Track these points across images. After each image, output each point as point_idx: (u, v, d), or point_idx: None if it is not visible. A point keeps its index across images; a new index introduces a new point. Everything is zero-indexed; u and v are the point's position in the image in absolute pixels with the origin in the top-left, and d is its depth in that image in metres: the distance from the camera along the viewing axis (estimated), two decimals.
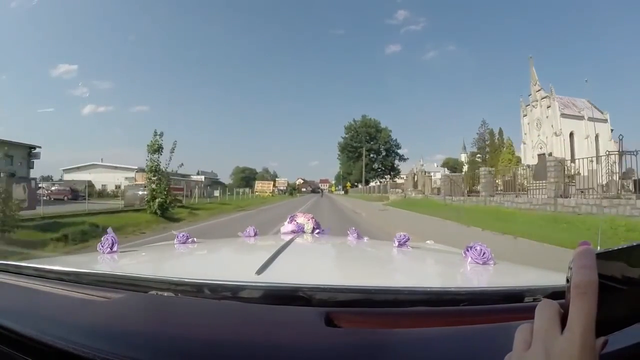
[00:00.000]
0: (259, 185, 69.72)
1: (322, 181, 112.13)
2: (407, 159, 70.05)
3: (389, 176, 65.84)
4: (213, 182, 68.38)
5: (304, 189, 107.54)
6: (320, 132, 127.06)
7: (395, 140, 69.58)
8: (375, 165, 67.82)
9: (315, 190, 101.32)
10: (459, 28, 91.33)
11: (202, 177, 59.11)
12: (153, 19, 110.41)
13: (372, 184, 60.70)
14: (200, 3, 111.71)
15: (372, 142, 66.64)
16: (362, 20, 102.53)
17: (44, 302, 0.68)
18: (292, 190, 73.48)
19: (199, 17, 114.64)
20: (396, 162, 69.19)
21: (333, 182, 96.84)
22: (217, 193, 36.08)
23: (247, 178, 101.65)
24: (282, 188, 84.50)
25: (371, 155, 66.39)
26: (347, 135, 69.39)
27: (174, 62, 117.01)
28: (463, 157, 64.37)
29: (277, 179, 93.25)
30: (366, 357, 0.50)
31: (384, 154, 68.49)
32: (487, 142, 52.84)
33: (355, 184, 70.42)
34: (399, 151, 70.27)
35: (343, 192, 73.80)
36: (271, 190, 66.18)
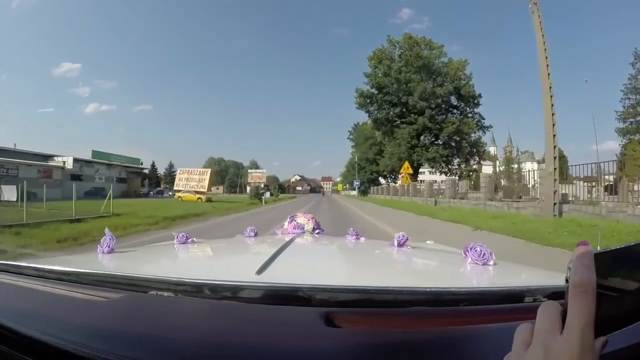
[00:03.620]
0: (182, 175, 33.03)
1: (324, 179, 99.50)
2: (491, 127, 33.48)
3: (458, 160, 31.94)
4: (138, 173, 43.46)
5: (299, 188, 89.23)
6: (322, 133, 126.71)
7: (472, 85, 31.11)
8: (430, 138, 31.37)
9: (315, 189, 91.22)
10: (462, 27, 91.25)
11: (67, 160, 31.95)
12: (155, 20, 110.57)
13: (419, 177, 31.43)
14: (202, 3, 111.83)
15: (428, 82, 30.34)
16: (366, 19, 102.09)
17: (44, 302, 0.68)
18: (262, 192, 31.52)
19: (202, 17, 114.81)
20: (473, 133, 31.57)
21: (338, 179, 75.95)
22: (35, 196, 13.02)
23: (222, 172, 76.74)
24: (258, 184, 44.24)
25: (429, 113, 29.68)
26: (374, 72, 31.76)
27: (176, 62, 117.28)
28: (492, 150, 51.63)
29: (251, 172, 57.06)
30: (366, 357, 0.50)
31: (453, 113, 31.52)
32: None
33: (386, 176, 37.60)
34: (478, 110, 31.91)
35: (357, 192, 45.95)
36: (205, 189, 30.94)
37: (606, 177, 10.00)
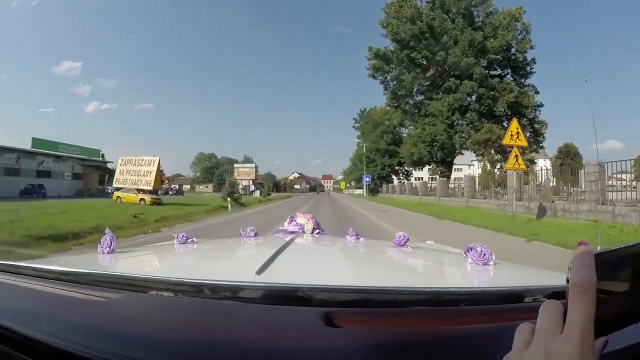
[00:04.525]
0: (124, 167, 21.19)
1: (324, 177, 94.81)
2: (542, 105, 22.91)
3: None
4: (98, 167, 34.69)
5: (297, 186, 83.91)
6: (322, 132, 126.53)
7: (530, 41, 21.31)
8: (481, 110, 21.10)
9: (314, 188, 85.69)
10: None
11: None
12: (154, 18, 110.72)
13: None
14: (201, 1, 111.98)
15: (478, 32, 20.08)
16: (366, 16, 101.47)
17: (43, 302, 0.68)
18: (238, 193, 23.07)
19: (203, 14, 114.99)
20: (528, 111, 21.68)
21: (340, 177, 68.93)
22: None
23: (213, 169, 71.85)
24: (247, 182, 37.60)
25: (479, 74, 20.12)
26: (394, 21, 21.23)
27: (175, 59, 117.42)
28: None
29: (237, 167, 50.41)
30: (366, 357, 0.50)
31: (497, 82, 21.15)
32: None
33: (398, 172, 31.42)
34: (528, 81, 22.39)
35: (365, 190, 39.14)
36: (151, 186, 20.00)
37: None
